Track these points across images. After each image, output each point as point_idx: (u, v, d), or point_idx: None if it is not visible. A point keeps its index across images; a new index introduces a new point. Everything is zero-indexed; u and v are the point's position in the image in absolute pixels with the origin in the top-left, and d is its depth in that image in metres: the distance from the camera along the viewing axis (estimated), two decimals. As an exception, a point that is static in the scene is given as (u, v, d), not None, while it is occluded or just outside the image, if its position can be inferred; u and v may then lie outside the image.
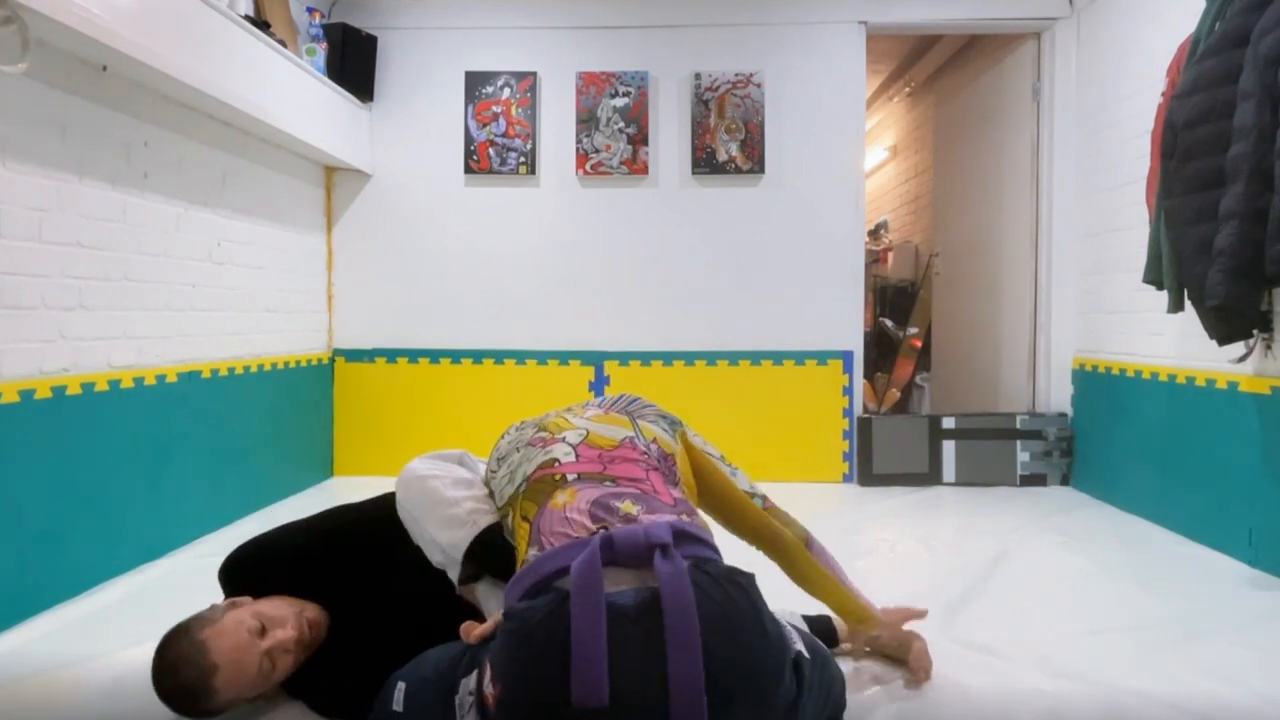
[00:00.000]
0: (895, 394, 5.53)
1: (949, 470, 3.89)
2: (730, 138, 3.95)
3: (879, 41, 4.64)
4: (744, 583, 1.22)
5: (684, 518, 1.34)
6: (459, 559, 1.53)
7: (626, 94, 3.96)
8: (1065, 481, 3.84)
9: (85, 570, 2.35)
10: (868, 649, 1.89)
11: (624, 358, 4.02)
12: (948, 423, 3.93)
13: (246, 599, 1.58)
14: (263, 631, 1.49)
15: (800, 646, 1.29)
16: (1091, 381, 3.69)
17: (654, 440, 1.58)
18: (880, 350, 5.80)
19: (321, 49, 3.62)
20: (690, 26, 3.98)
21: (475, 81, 3.99)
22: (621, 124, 3.96)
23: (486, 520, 1.55)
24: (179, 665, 1.43)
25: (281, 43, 3.15)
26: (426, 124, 4.03)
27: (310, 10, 3.70)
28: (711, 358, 4.00)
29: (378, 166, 4.06)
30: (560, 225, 4.04)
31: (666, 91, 3.99)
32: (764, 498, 1.77)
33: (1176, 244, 2.60)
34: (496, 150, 4.00)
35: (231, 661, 1.44)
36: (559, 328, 4.05)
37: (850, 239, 4.00)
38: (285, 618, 1.53)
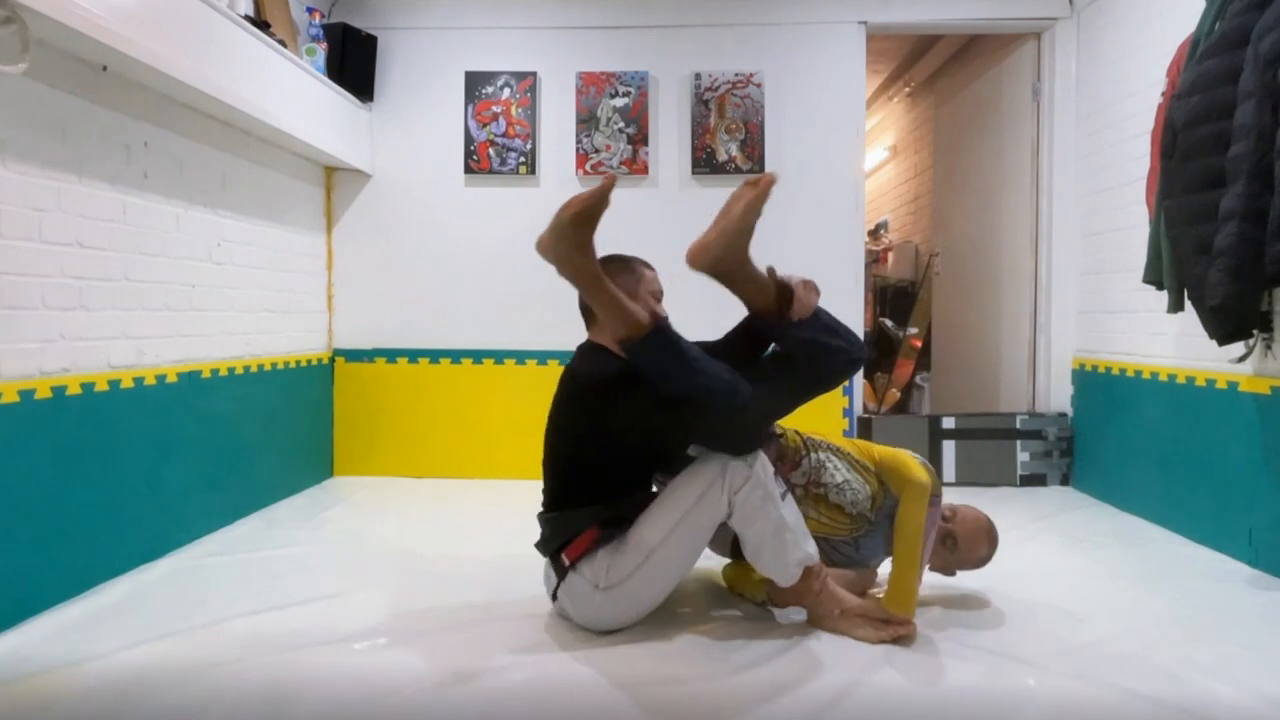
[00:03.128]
0: (895, 394, 5.52)
1: (949, 470, 3.89)
2: (730, 138, 3.95)
3: (879, 41, 4.65)
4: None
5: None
6: None
7: (626, 94, 3.96)
8: (1065, 481, 3.85)
9: (85, 570, 2.35)
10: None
11: (624, 358, 4.01)
12: (948, 423, 3.93)
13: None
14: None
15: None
16: (1091, 381, 3.69)
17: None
18: (880, 350, 5.79)
19: (321, 49, 3.62)
20: (690, 26, 3.98)
21: (475, 81, 3.99)
22: (621, 124, 3.96)
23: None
24: None
25: (281, 43, 3.15)
26: (426, 124, 4.03)
27: (310, 10, 3.70)
28: (711, 358, 3.99)
29: (378, 167, 4.06)
30: (560, 225, 4.03)
31: (666, 91, 3.99)
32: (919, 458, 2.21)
33: (1176, 244, 2.60)
34: (496, 150, 4.00)
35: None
36: (559, 328, 4.04)
37: (850, 239, 4.00)
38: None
